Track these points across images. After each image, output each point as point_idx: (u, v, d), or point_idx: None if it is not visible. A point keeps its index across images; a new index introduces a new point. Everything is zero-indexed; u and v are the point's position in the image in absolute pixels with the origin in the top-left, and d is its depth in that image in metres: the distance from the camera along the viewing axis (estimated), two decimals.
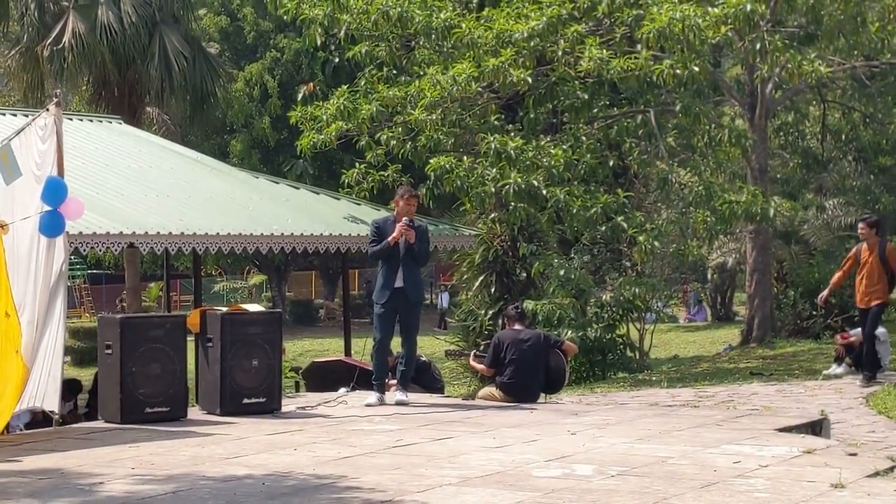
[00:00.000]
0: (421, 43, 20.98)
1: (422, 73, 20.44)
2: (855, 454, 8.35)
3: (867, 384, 15.13)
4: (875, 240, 15.15)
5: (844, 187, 29.36)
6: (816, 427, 10.06)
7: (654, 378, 18.94)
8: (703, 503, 6.61)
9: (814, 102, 26.43)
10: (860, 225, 15.45)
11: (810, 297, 24.07)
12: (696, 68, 18.95)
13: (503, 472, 7.62)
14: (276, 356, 11.18)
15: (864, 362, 15.62)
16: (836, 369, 17.48)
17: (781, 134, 27.49)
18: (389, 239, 11.54)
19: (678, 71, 18.77)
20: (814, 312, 23.93)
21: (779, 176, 29.93)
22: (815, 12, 20.44)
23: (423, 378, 13.71)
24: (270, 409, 11.02)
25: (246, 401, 10.90)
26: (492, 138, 19.14)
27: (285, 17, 23.31)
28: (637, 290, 20.19)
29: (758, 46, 19.51)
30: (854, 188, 29.44)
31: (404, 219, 11.61)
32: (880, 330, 17.68)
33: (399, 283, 11.61)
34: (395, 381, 12.05)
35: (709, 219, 19.35)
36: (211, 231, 15.58)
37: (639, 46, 19.46)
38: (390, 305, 11.64)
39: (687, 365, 22.22)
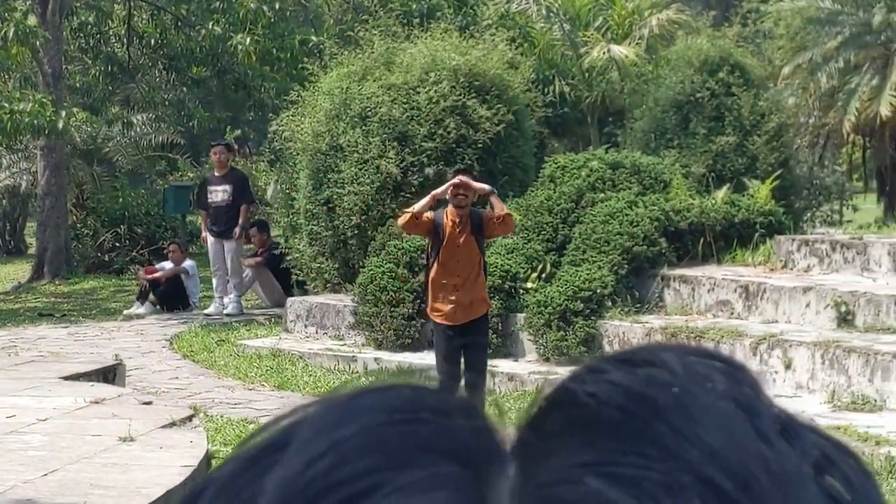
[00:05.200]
0: None
1: None
2: (150, 403, 8.56)
3: None
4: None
5: (155, 101, 29.85)
6: (109, 374, 10.23)
7: None
8: None
9: (119, 1, 26.57)
10: None
11: (113, 226, 24.37)
12: None
13: None
14: None
15: None
16: (138, 308, 17.88)
17: (81, 35, 27.38)
18: None
19: None
20: (117, 244, 24.25)
21: (79, 85, 29.85)
22: None
23: None
24: None
25: None
26: None
27: None
28: None
29: None
30: (165, 102, 30.03)
31: None
32: (188, 263, 18.35)
33: None
34: None
35: None
36: None
37: None
38: None
39: None
